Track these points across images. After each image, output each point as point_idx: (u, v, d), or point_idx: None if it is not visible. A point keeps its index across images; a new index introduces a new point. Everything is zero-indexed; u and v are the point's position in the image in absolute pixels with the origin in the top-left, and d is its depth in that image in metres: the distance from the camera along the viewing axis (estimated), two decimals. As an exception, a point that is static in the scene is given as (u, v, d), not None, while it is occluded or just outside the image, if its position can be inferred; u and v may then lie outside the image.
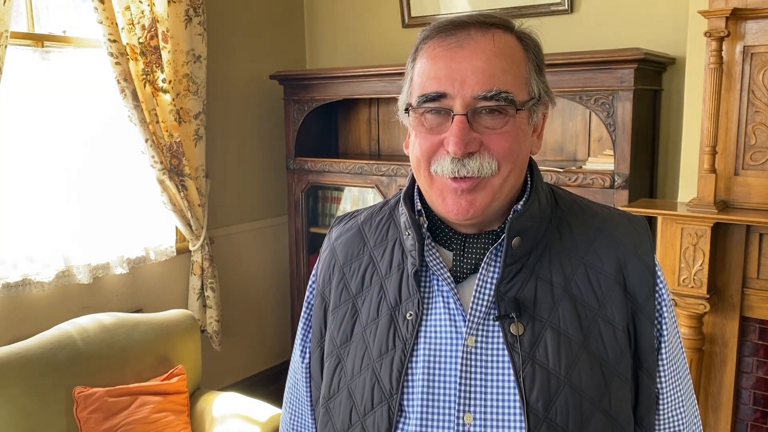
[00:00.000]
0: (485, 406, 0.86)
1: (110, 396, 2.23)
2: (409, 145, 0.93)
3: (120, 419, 2.21)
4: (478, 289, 0.89)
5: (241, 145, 3.49)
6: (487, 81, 0.83)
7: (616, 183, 2.49)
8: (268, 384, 3.50)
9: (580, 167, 2.70)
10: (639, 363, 0.90)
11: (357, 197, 3.43)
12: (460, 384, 0.86)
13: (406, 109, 0.90)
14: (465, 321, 0.89)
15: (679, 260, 2.28)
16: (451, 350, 0.88)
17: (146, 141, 2.77)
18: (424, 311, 0.91)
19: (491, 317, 0.88)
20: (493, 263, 0.90)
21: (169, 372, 2.42)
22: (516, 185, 0.91)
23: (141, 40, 2.78)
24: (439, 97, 0.85)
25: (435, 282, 0.92)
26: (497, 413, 0.85)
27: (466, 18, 0.87)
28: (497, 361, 0.87)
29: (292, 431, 1.10)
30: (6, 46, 2.29)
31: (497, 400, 0.86)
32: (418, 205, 0.95)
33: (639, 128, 2.52)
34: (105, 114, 2.81)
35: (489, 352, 0.87)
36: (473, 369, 0.87)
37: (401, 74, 0.95)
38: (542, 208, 0.92)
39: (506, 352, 0.86)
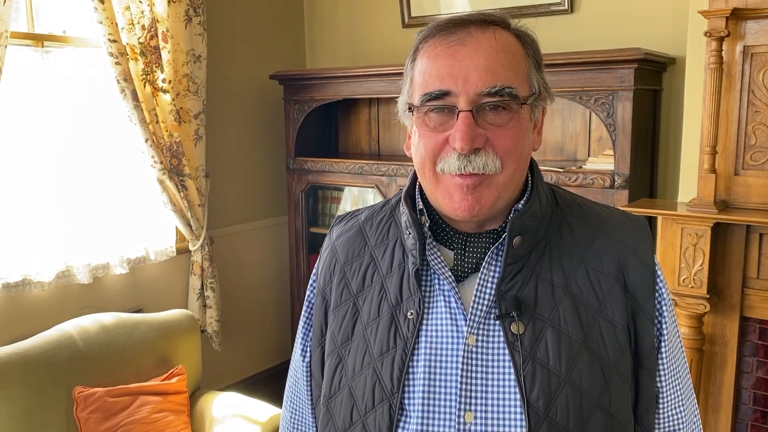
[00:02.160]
0: (486, 405, 0.86)
1: (110, 396, 2.23)
2: (412, 146, 0.93)
3: (120, 419, 2.21)
4: (479, 288, 0.89)
5: (241, 145, 3.49)
6: (490, 77, 0.84)
7: (616, 183, 2.49)
8: (268, 384, 3.50)
9: (580, 167, 2.70)
10: (639, 362, 0.91)
11: (357, 197, 3.43)
12: (461, 383, 0.87)
13: (410, 109, 0.90)
14: (466, 320, 0.89)
15: (679, 260, 2.28)
16: (452, 349, 0.89)
17: (146, 141, 2.77)
18: (425, 310, 0.91)
19: (492, 316, 0.88)
20: (494, 262, 0.91)
21: (169, 372, 2.42)
22: (520, 182, 0.92)
23: (141, 40, 2.78)
24: (443, 95, 0.85)
25: (436, 281, 0.93)
26: (498, 412, 0.85)
27: (466, 16, 0.88)
28: (498, 360, 0.87)
29: (293, 430, 1.10)
30: (6, 46, 2.29)
31: (498, 398, 0.86)
32: (420, 204, 0.95)
33: (639, 128, 2.52)
34: (105, 114, 2.81)
35: (490, 351, 0.87)
36: (474, 368, 0.87)
37: (401, 74, 0.95)
38: (543, 208, 0.93)
39: (507, 351, 0.87)
